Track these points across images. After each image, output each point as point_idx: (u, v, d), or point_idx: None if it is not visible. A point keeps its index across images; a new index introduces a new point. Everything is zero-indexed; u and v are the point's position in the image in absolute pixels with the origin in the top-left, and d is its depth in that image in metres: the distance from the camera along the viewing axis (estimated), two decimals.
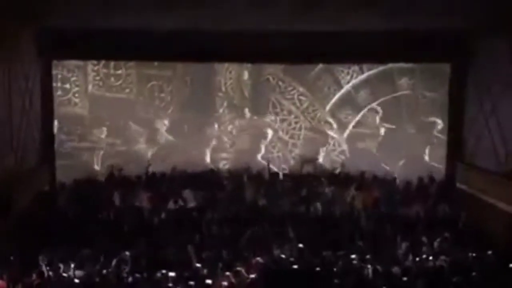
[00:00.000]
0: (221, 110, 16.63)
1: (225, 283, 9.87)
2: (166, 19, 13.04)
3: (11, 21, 12.47)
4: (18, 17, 12.61)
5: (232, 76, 16.69)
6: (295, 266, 10.64)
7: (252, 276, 10.20)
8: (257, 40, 14.57)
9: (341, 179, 15.94)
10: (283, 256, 11.24)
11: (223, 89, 16.60)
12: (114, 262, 10.70)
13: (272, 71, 16.59)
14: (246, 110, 16.73)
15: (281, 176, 16.35)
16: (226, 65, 16.54)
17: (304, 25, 13.61)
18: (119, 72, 16.28)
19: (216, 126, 16.63)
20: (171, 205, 14.58)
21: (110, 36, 14.33)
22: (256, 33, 14.34)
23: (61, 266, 10.54)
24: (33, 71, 14.49)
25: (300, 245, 11.72)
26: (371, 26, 13.65)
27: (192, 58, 15.52)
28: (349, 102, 16.72)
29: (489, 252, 11.29)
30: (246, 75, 16.70)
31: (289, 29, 14.10)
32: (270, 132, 16.75)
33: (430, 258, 11.08)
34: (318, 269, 10.49)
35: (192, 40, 14.59)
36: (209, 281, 9.86)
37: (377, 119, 16.64)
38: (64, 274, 10.26)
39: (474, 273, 10.15)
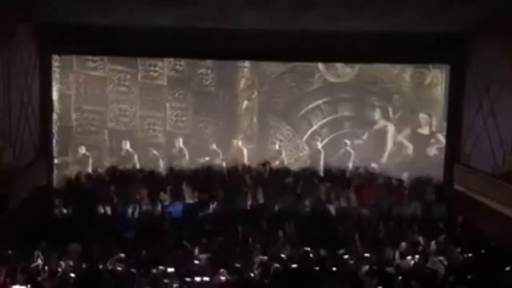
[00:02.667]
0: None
1: (222, 280, 9.89)
2: (165, 16, 13.06)
3: (11, 16, 12.47)
4: (18, 12, 12.61)
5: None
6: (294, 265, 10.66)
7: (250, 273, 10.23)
8: (254, 38, 14.59)
9: (337, 177, 15.92)
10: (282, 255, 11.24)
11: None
12: (111, 258, 10.69)
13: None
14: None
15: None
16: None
17: (300, 25, 13.63)
18: None
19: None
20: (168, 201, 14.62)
21: (110, 31, 14.33)
22: (253, 31, 14.35)
23: (58, 261, 10.56)
24: (32, 66, 14.48)
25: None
26: (368, 26, 13.65)
27: (191, 55, 15.53)
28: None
29: (484, 252, 11.34)
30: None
31: (286, 28, 14.11)
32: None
33: (427, 258, 11.09)
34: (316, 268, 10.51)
35: (191, 37, 14.60)
36: (206, 278, 9.89)
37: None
38: (60, 269, 10.26)
39: (469, 273, 10.17)
